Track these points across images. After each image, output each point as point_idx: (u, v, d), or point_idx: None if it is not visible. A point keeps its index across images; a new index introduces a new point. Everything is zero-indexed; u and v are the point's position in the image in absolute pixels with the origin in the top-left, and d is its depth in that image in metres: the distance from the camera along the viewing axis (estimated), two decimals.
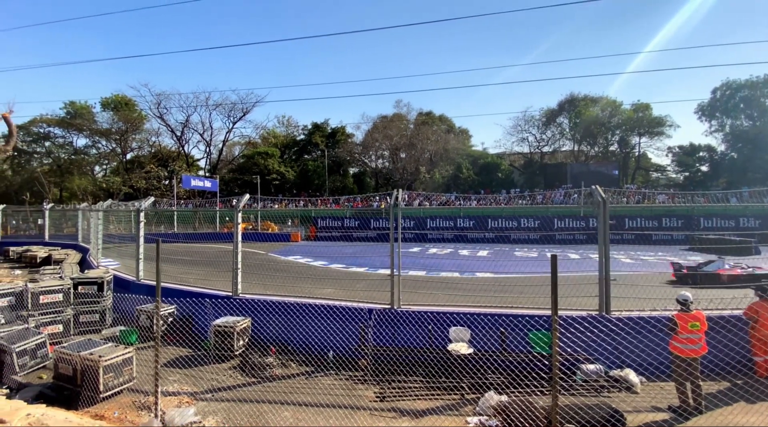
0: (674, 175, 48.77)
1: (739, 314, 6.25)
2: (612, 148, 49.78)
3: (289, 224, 31.39)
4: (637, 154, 49.31)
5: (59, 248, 19.41)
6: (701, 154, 45.63)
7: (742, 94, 41.92)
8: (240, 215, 8.78)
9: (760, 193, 25.39)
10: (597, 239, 6.65)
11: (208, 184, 39.99)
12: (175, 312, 8.69)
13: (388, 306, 7.35)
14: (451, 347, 6.48)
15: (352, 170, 57.35)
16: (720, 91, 43.42)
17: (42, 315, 8.28)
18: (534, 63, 79.29)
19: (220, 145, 54.85)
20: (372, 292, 8.69)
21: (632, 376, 5.90)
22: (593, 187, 6.98)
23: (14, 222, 30.22)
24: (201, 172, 53.63)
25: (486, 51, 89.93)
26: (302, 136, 59.19)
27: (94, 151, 52.73)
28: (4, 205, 25.46)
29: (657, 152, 48.92)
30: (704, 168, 45.80)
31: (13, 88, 67.02)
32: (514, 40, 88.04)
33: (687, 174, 46.67)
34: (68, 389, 5.74)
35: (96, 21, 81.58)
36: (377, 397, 5.75)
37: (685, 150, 46.30)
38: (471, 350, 6.35)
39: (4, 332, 6.93)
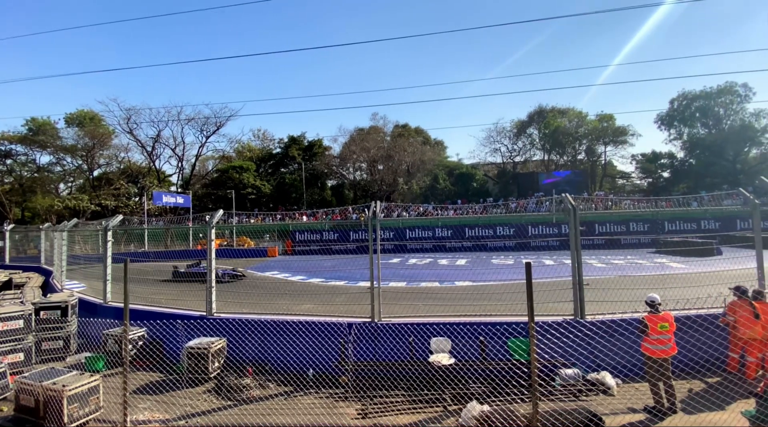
0: (638, 182, 51.09)
1: (704, 313, 6.54)
2: (580, 157, 51.71)
3: (267, 238, 30.77)
4: (603, 162, 51.39)
5: (20, 271, 18.32)
6: (663, 161, 48.01)
7: (697, 104, 44.54)
8: (214, 231, 8.55)
9: (718, 196, 26.94)
10: (569, 245, 6.84)
11: (180, 200, 38.86)
12: (145, 335, 8.30)
13: (369, 319, 7.28)
14: (432, 358, 6.46)
15: (330, 183, 57.06)
16: (677, 102, 46.05)
17: (1, 344, 7.74)
18: (505, 77, 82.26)
19: (193, 160, 53.73)
20: (352, 305, 8.59)
21: (609, 378, 6.04)
22: (563, 195, 7.21)
23: None
24: (173, 188, 52.14)
25: (459, 64, 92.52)
26: (278, 150, 58.52)
27: (58, 168, 50.41)
28: None
29: (622, 160, 51.27)
30: (666, 174, 48.14)
31: None
32: (487, 54, 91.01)
33: (650, 180, 48.98)
34: (30, 421, 5.37)
35: (63, 36, 79.10)
36: (359, 414, 5.64)
37: (647, 157, 48.58)
38: (452, 361, 6.35)
39: None
